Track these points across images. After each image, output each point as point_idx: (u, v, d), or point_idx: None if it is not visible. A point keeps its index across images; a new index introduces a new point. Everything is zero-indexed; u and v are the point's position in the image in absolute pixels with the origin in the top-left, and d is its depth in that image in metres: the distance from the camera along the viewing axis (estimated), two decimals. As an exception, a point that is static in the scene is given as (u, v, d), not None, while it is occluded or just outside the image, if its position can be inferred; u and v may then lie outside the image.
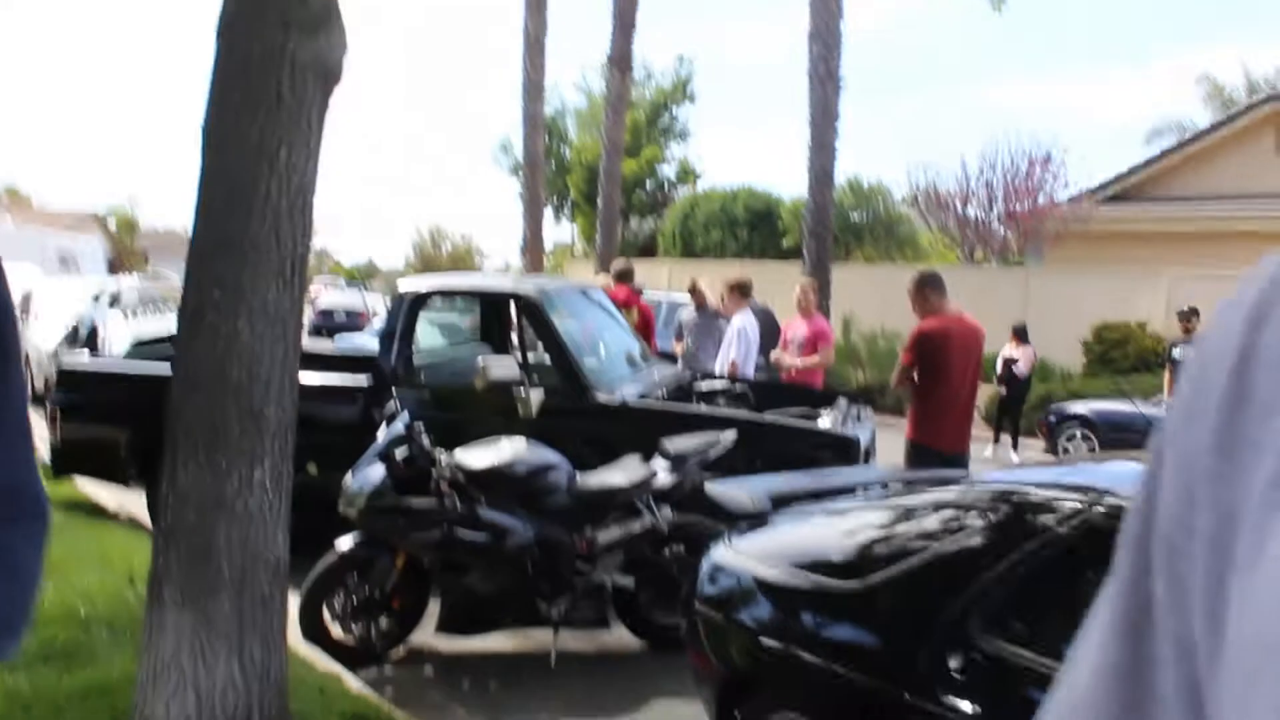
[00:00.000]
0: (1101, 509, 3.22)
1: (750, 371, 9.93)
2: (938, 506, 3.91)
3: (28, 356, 15.96)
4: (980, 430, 13.45)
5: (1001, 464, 13.84)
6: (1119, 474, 3.69)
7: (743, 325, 10.06)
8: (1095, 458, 9.49)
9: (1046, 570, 3.24)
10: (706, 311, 11.25)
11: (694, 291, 11.45)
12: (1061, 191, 23.74)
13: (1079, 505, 3.29)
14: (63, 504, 8.30)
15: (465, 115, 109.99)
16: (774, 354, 10.57)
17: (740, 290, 10.35)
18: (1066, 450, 14.56)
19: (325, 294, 36.70)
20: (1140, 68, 72.87)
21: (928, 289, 7.23)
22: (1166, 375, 13.36)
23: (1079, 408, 14.92)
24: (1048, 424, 15.01)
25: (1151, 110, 75.46)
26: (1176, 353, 13.14)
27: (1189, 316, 13.33)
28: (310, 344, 10.09)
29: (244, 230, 3.88)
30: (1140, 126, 61.21)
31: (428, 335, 9.27)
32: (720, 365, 10.04)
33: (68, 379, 8.28)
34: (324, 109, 4.06)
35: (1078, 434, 14.57)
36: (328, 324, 29.03)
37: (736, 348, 9.93)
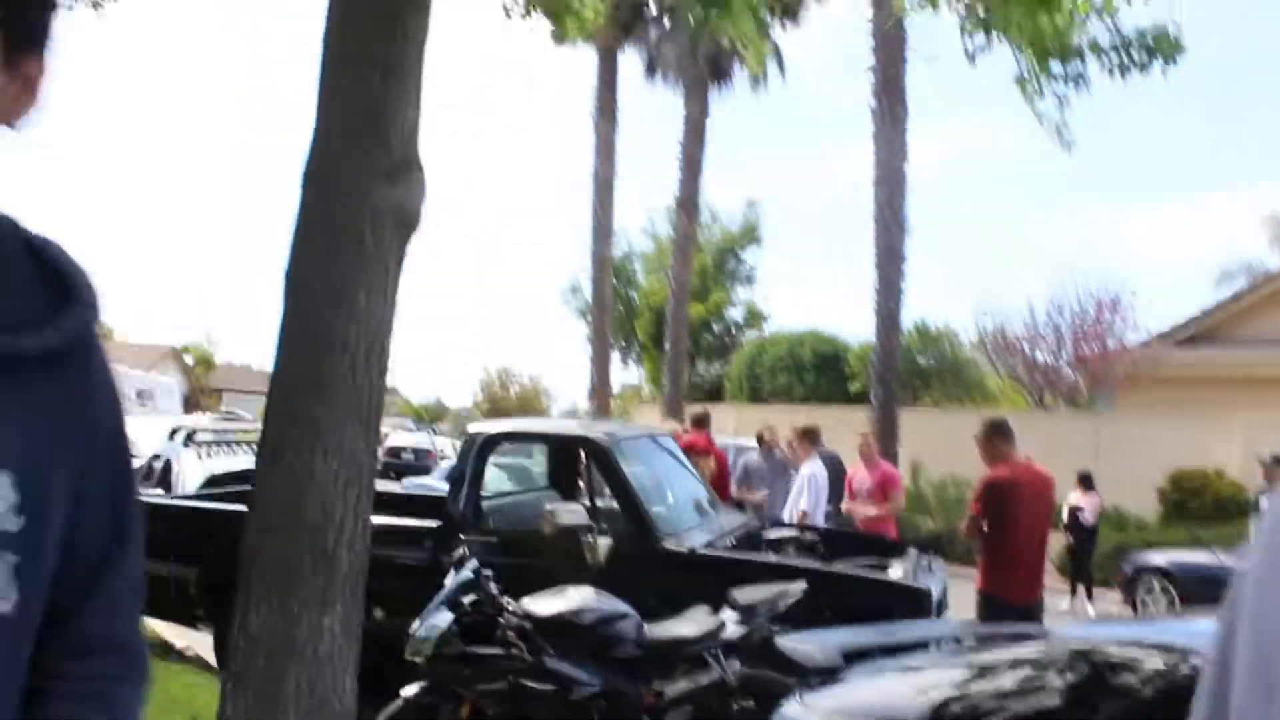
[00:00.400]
0: (1186, 670, 3.10)
1: (820, 519, 9.82)
2: (1015, 664, 3.79)
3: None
4: (1056, 582, 13.14)
5: (1079, 617, 13.48)
6: (1202, 633, 3.57)
7: (812, 473, 9.99)
8: (1177, 615, 9.21)
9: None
10: (774, 458, 11.18)
11: (761, 439, 11.44)
12: (1131, 334, 23.52)
13: (1162, 665, 3.18)
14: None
15: (535, 254, 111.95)
16: (845, 504, 10.45)
17: (809, 437, 10.31)
18: (1145, 604, 14.13)
19: (394, 434, 37.03)
20: (1190, 204, 72.86)
21: (996, 437, 7.19)
22: (1255, 525, 12.99)
23: (1157, 559, 14.52)
24: (1124, 575, 14.61)
25: (1209, 247, 75.02)
26: (1264, 502, 12.79)
27: (1275, 465, 13.01)
28: (379, 484, 10.12)
29: (323, 372, 3.93)
30: (1199, 264, 60.91)
31: (496, 479, 9.27)
32: (790, 513, 9.94)
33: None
34: (402, 255, 4.14)
35: (1156, 586, 14.14)
36: (396, 463, 29.20)
37: (807, 496, 9.84)
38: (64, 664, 1.17)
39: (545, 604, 5.72)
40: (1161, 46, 5.96)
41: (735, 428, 21.90)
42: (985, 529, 7.00)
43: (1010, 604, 6.87)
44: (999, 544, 7.00)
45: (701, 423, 11.42)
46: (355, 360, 3.93)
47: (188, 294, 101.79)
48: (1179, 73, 6.21)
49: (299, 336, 4.02)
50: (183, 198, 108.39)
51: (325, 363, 3.92)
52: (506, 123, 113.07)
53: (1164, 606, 13.85)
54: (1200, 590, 13.34)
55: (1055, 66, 6.15)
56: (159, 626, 9.09)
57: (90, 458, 1.15)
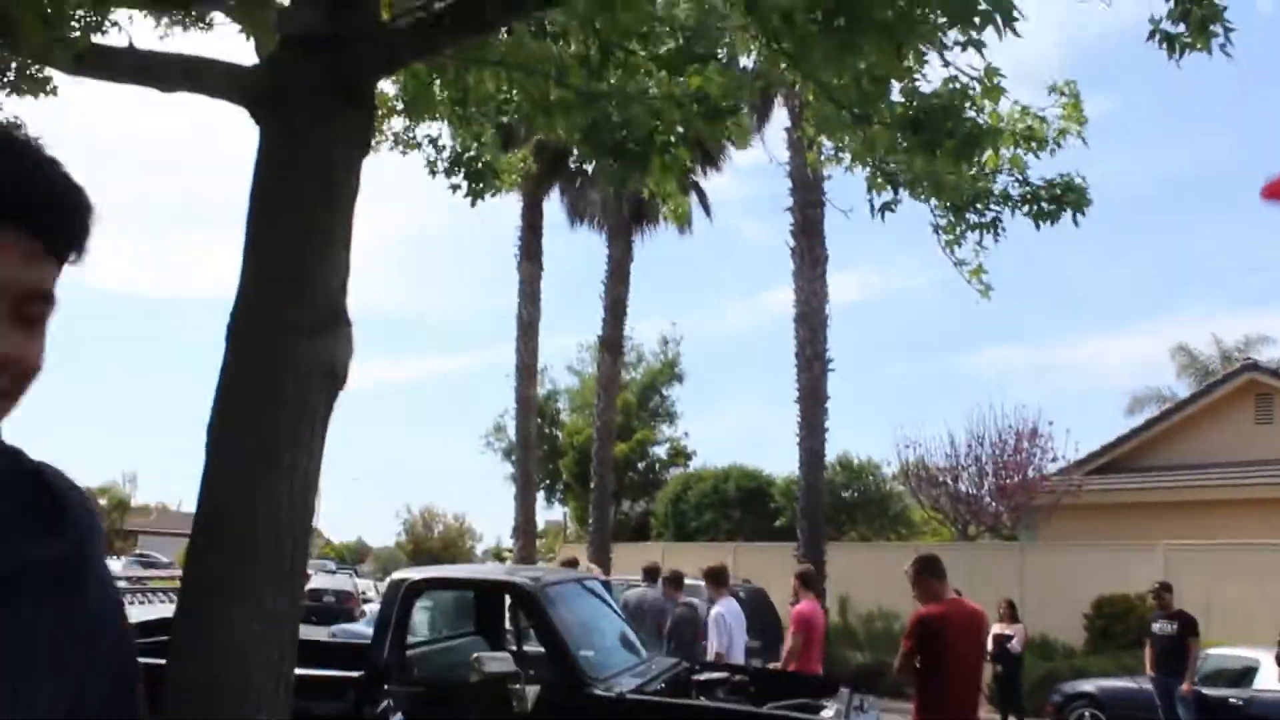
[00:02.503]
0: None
1: (738, 658, 9.82)
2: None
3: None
4: (986, 712, 13.14)
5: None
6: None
7: (719, 613, 10.05)
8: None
9: None
10: (655, 593, 11.21)
11: (650, 573, 11.60)
12: (1050, 464, 23.89)
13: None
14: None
15: (459, 392, 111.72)
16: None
17: (715, 578, 10.42)
18: (1076, 731, 14.24)
19: (315, 576, 36.29)
20: (1113, 334, 74.94)
21: (927, 574, 7.21)
22: (1147, 650, 13.23)
23: (1086, 686, 14.73)
24: (1054, 704, 14.70)
25: (1128, 377, 77.07)
26: (1156, 628, 13.09)
27: (1161, 591, 13.39)
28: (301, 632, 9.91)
29: (245, 531, 3.89)
30: (1119, 393, 62.47)
31: (421, 625, 9.13)
32: (709, 655, 9.93)
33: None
34: (329, 412, 4.14)
35: (1086, 714, 14.30)
36: (317, 606, 28.56)
37: (716, 637, 9.90)
38: None
39: (473, 758, 5.61)
40: (1071, 198, 6.23)
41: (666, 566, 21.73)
42: (918, 665, 7.00)
43: None
44: (932, 681, 6.98)
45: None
46: (279, 518, 3.89)
47: (104, 434, 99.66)
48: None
49: (221, 493, 3.98)
50: (101, 329, 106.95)
51: (248, 521, 3.87)
52: (431, 263, 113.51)
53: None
54: (1128, 715, 13.48)
55: (972, 216, 6.40)
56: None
57: (89, 665, 1.16)
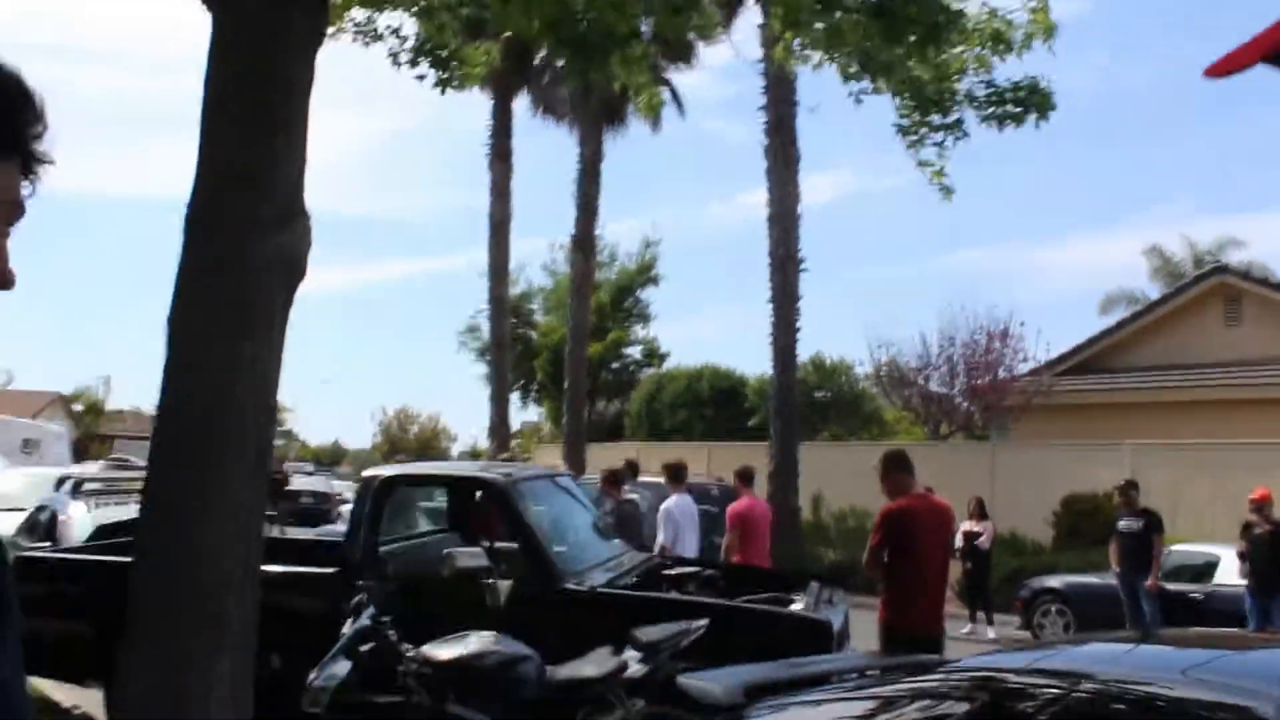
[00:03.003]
0: (1079, 694, 3.17)
1: (687, 553, 9.98)
2: (915, 696, 3.83)
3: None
4: (955, 608, 13.37)
5: (979, 642, 13.71)
6: (1095, 656, 3.65)
7: (667, 506, 10.38)
8: (1073, 639, 9.42)
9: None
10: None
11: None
12: (1021, 364, 24.03)
13: (1057, 692, 3.24)
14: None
15: (435, 294, 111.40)
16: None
17: (670, 473, 10.60)
18: (1042, 626, 14.50)
19: (293, 478, 36.39)
20: (1089, 237, 74.82)
21: (895, 470, 7.28)
22: (1112, 546, 13.43)
23: (1053, 582, 14.95)
24: (1022, 599, 14.95)
25: (1104, 280, 77.27)
26: (1121, 525, 13.27)
27: (1128, 489, 13.59)
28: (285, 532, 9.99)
29: (208, 424, 3.87)
30: (1084, 296, 62.66)
31: (394, 523, 9.17)
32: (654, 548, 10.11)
33: (25, 569, 8.10)
34: (288, 303, 4.10)
35: (1053, 609, 14.54)
36: (294, 509, 28.70)
37: (664, 530, 10.11)
38: None
39: (446, 649, 5.65)
40: (1035, 100, 6.16)
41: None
42: (885, 560, 7.08)
43: (911, 636, 6.87)
44: (899, 576, 7.06)
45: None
46: (242, 410, 3.87)
47: (80, 339, 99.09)
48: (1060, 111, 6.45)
49: (184, 386, 3.95)
50: (76, 237, 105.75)
51: (211, 412, 3.85)
52: (404, 165, 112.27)
53: (1061, 628, 14.19)
54: (1094, 610, 13.73)
55: (935, 118, 6.33)
56: (45, 686, 8.79)
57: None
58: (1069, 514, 19.20)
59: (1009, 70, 6.44)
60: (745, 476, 11.03)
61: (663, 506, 10.36)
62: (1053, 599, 14.62)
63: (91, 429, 61.81)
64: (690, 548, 10.19)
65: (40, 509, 14.15)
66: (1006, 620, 15.47)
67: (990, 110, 6.28)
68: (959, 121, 6.41)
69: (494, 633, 5.84)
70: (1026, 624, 14.82)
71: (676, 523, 10.17)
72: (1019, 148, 42.94)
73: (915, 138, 6.55)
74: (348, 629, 5.70)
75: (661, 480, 11.63)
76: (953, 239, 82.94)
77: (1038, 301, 76.01)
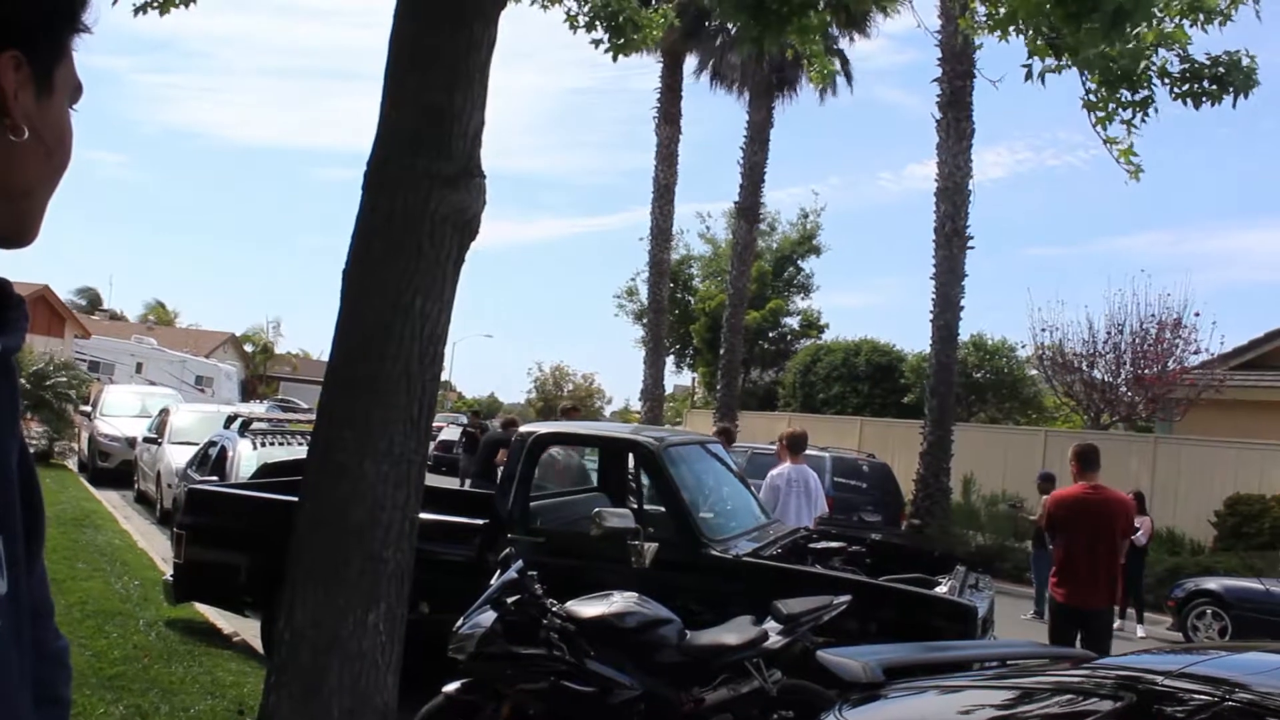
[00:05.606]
0: (1233, 703, 3.07)
1: (791, 522, 9.79)
2: (1057, 690, 3.76)
3: (159, 475, 16.53)
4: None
5: (1127, 640, 13.34)
6: (1253, 665, 3.53)
7: (773, 474, 10.19)
8: (1229, 645, 9.10)
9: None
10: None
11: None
12: (1192, 356, 23.14)
13: (1207, 699, 3.14)
14: (180, 626, 8.43)
15: (596, 254, 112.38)
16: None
17: (790, 444, 10.33)
18: (1195, 629, 13.98)
19: (447, 429, 37.20)
20: (1260, 227, 71.21)
21: (1078, 461, 8.34)
22: None
23: (1210, 584, 14.36)
24: (1175, 599, 14.44)
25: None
26: None
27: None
28: (429, 480, 10.25)
29: (376, 374, 3.99)
30: (1268, 288, 59.64)
31: (546, 479, 9.32)
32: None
33: (195, 502, 8.48)
34: (460, 261, 4.19)
35: (1208, 612, 13.99)
36: (447, 458, 29.32)
37: (764, 499, 9.93)
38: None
39: (589, 606, 5.75)
40: (1233, 77, 5.86)
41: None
42: (1048, 542, 8.07)
43: (1068, 607, 8.07)
44: (1059, 555, 8.27)
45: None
46: (409, 363, 3.99)
47: (260, 280, 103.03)
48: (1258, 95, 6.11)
49: (355, 337, 4.08)
50: (256, 184, 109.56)
51: (379, 364, 3.97)
52: (565, 124, 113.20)
53: (1215, 633, 13.68)
54: (1253, 617, 13.16)
55: (1124, 93, 6.07)
56: (208, 612, 9.21)
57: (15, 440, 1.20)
58: (1233, 514, 18.49)
59: (1208, 43, 6.13)
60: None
61: (770, 472, 10.22)
62: (1209, 602, 14.06)
63: (259, 370, 64.07)
64: (794, 518, 9.94)
65: (210, 444, 14.83)
66: (1158, 620, 15.00)
67: (1185, 88, 5.98)
68: (1149, 98, 6.12)
69: (637, 594, 5.91)
70: (1179, 626, 14.29)
71: (780, 490, 10.00)
72: (1211, 125, 41.06)
73: (1103, 114, 6.28)
74: (495, 580, 5.84)
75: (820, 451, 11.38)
76: (1130, 220, 79.94)
77: (1217, 290, 72.83)
